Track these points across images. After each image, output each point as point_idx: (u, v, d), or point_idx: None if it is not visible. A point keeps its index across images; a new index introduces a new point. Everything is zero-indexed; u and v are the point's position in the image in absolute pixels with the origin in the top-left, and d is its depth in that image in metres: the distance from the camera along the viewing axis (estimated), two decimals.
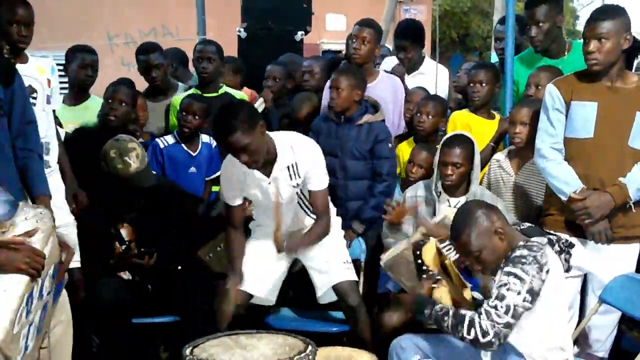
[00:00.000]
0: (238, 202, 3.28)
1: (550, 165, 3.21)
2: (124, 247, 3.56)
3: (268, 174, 3.18)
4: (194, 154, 4.13)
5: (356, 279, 3.38)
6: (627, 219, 3.16)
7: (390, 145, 3.81)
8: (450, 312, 2.54)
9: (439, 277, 2.69)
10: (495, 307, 2.44)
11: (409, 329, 3.18)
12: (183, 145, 4.11)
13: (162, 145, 4.08)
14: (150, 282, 3.56)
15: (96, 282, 3.42)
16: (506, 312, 2.43)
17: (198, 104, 4.07)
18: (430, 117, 3.94)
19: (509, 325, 2.44)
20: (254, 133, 2.97)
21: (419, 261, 2.77)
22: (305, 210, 3.37)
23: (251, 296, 3.30)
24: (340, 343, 3.30)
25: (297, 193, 3.28)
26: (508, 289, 2.44)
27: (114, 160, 3.41)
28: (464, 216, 2.64)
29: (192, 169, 4.13)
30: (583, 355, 3.31)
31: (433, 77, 4.82)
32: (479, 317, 2.46)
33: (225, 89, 4.52)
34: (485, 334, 2.43)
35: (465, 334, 2.47)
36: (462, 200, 3.40)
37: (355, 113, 3.78)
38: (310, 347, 2.60)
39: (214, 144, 4.17)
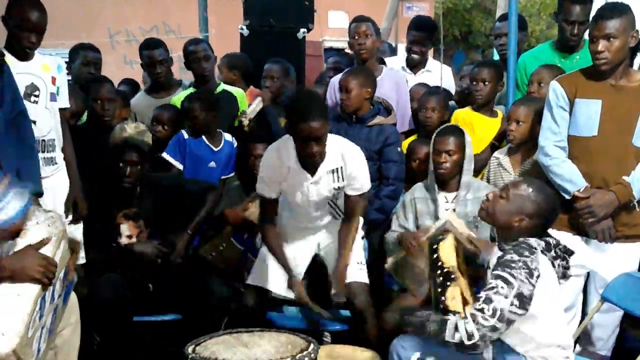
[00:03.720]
0: (274, 195, 3.23)
1: (554, 163, 3.20)
2: (125, 240, 3.55)
3: (312, 174, 3.17)
4: (215, 149, 4.08)
5: (367, 281, 3.35)
6: (630, 218, 3.16)
7: (399, 149, 3.81)
8: (432, 317, 2.51)
9: (454, 276, 2.69)
10: (482, 310, 2.41)
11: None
12: (205, 139, 4.07)
13: (186, 136, 4.05)
14: (150, 280, 3.55)
15: (96, 279, 3.42)
16: (492, 316, 2.40)
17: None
18: (435, 111, 3.97)
19: (495, 329, 2.41)
20: (328, 127, 3.04)
21: (435, 256, 2.75)
22: (333, 212, 3.36)
23: (270, 292, 3.30)
24: (343, 341, 3.30)
25: (332, 195, 3.26)
26: (496, 292, 2.41)
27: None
28: (547, 189, 2.66)
29: (212, 164, 4.07)
30: (585, 354, 3.31)
31: (439, 75, 4.83)
32: (464, 320, 2.42)
33: (223, 86, 4.51)
34: (470, 336, 2.40)
35: (449, 338, 2.43)
36: (458, 194, 3.41)
37: (367, 114, 3.81)
38: (312, 345, 2.60)
39: (235, 143, 4.15)
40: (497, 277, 2.44)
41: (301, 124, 2.94)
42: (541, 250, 2.55)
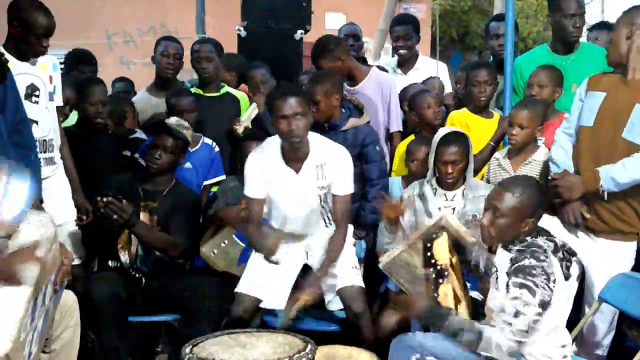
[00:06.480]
0: (260, 194, 3.23)
1: (554, 147, 3.31)
2: None
3: (297, 170, 3.19)
4: (190, 150, 4.07)
5: (362, 285, 3.35)
6: (626, 215, 3.16)
7: (378, 147, 3.77)
8: (468, 326, 2.52)
9: (446, 273, 2.69)
10: (514, 326, 2.43)
11: (407, 329, 3.19)
12: None
13: None
14: (147, 279, 3.54)
15: (90, 277, 3.42)
16: (526, 331, 2.44)
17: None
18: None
19: (526, 338, 2.47)
20: (307, 111, 3.08)
21: (428, 254, 2.76)
22: (324, 217, 3.36)
23: (260, 300, 3.30)
24: (340, 342, 3.30)
25: (320, 198, 3.26)
26: (523, 304, 2.43)
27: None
28: (526, 183, 2.65)
29: (188, 165, 4.05)
30: (582, 354, 3.31)
31: (429, 72, 4.83)
32: (502, 336, 2.44)
33: (226, 88, 4.50)
34: (511, 354, 2.46)
35: (488, 353, 2.47)
36: (458, 193, 3.41)
37: (339, 119, 3.74)
38: (309, 346, 2.60)
39: (217, 148, 4.14)
40: (521, 285, 2.44)
41: (277, 101, 3.05)
42: (551, 251, 2.57)
